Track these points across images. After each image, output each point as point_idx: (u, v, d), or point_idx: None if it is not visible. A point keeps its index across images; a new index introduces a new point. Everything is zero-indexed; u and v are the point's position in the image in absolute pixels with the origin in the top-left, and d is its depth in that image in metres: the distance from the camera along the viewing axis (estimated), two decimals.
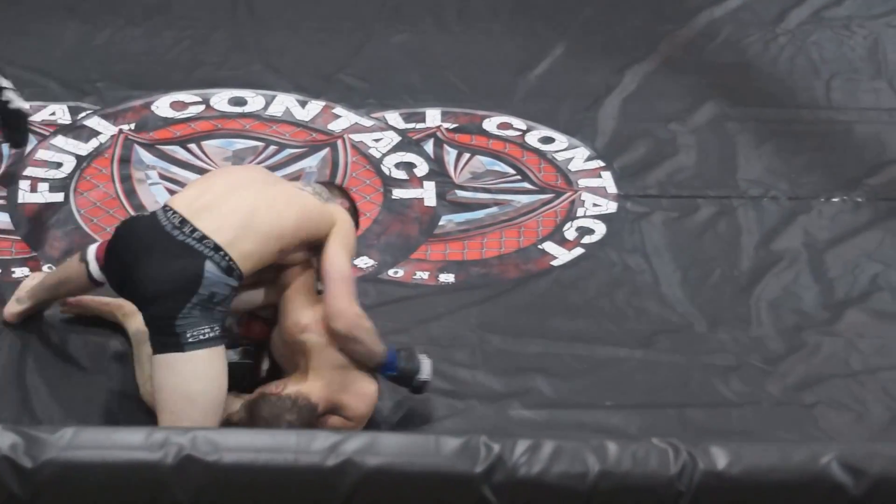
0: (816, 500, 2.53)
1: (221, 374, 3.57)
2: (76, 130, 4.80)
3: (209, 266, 3.57)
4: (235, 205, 3.68)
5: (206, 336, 3.54)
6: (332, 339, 3.65)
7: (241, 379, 3.75)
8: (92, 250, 3.86)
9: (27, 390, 3.85)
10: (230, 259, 3.59)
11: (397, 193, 4.66)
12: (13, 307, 4.02)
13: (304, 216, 3.73)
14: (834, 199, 4.70)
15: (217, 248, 3.59)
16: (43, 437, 2.52)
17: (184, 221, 3.63)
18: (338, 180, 4.68)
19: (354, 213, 3.99)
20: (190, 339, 3.53)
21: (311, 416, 3.59)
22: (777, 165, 4.82)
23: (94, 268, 3.82)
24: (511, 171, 4.77)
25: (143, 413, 3.75)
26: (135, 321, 3.88)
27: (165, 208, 3.70)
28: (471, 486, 2.14)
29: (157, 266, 3.59)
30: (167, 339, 3.54)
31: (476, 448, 2.24)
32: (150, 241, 3.62)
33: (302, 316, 3.70)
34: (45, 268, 4.27)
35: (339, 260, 3.70)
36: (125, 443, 2.60)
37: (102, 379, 3.89)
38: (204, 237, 3.60)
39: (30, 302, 4.02)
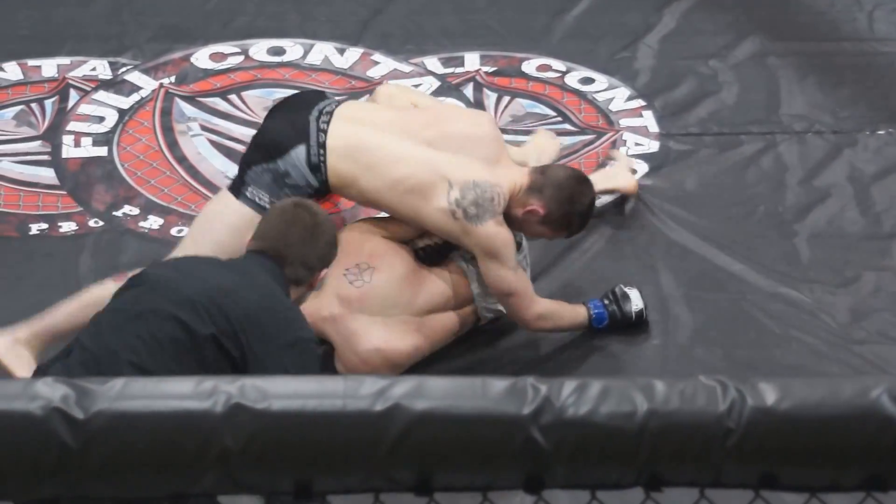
0: (867, 434, 2.52)
1: (243, 238, 3.48)
2: (117, 85, 4.82)
3: (300, 150, 3.70)
4: (373, 138, 3.73)
5: (262, 202, 3.69)
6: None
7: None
8: None
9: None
10: (324, 160, 3.69)
11: None
12: None
13: (414, 206, 3.70)
14: (879, 132, 4.65)
15: (321, 146, 3.69)
16: (94, 388, 2.54)
17: (330, 115, 3.74)
18: None
19: (562, 220, 3.79)
20: (248, 193, 3.72)
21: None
22: (820, 99, 4.77)
23: None
24: (552, 112, 4.74)
25: None
26: None
27: (333, 101, 3.83)
28: (519, 427, 2.13)
29: (276, 126, 3.79)
30: (237, 181, 3.77)
31: (523, 389, 2.23)
32: (294, 108, 3.80)
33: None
34: (90, 222, 4.29)
35: (495, 280, 3.72)
36: (175, 392, 2.61)
37: None
38: (324, 132, 3.71)
39: None
